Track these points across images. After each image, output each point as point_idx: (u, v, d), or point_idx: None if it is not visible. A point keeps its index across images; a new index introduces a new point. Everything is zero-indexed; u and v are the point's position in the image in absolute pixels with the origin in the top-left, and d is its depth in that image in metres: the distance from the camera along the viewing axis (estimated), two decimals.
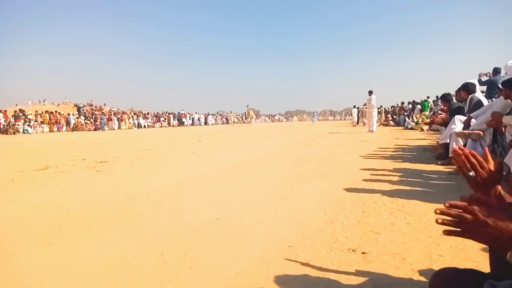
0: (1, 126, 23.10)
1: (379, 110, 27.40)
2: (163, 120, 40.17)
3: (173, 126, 39.04)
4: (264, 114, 67.64)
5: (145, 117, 38.91)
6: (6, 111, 26.27)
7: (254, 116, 40.65)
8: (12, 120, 24.64)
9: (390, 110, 29.11)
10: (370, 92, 15.39)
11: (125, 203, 3.38)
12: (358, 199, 3.25)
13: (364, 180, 4.16)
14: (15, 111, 26.53)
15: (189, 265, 1.92)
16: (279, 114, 75.57)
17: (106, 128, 30.45)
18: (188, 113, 43.60)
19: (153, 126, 37.50)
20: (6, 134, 22.56)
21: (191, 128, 32.83)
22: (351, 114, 30.09)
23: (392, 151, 7.21)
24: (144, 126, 35.92)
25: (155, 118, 40.40)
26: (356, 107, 28.96)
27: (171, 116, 41.20)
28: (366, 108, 17.98)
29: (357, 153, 7.00)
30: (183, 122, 41.04)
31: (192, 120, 42.42)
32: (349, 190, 3.67)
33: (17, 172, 5.59)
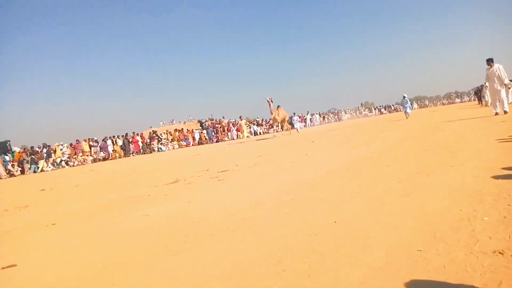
0: (140, 148, 26.53)
1: None
2: (276, 126, 41.21)
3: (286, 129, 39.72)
4: (379, 106, 63.86)
5: (259, 125, 40.45)
6: (142, 133, 30.17)
7: (286, 117, 23.58)
8: (148, 141, 28.14)
9: None
10: (490, 61, 11.52)
11: (243, 210, 3.48)
12: (500, 191, 2.76)
13: (505, 167, 3.53)
14: (149, 133, 30.32)
15: (308, 273, 1.84)
16: (396, 104, 70.58)
17: (227, 139, 32.56)
18: (299, 115, 43.81)
19: (267, 132, 38.74)
20: (144, 153, 25.85)
21: (303, 130, 32.95)
22: (476, 94, 26.10)
23: None
24: (260, 133, 37.34)
25: (268, 124, 41.68)
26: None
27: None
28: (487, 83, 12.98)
29: (493, 136, 6.05)
30: (294, 125, 41.40)
31: (305, 122, 42.49)
32: (487, 180, 3.15)
33: (152, 187, 6.27)
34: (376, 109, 60.90)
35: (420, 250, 1.92)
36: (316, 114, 45.65)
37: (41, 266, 2.67)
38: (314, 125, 42.29)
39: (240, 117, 26.84)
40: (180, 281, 2.01)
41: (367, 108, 61.20)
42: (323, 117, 46.68)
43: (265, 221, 2.97)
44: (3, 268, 2.72)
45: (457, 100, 73.39)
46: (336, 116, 49.16)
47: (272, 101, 21.06)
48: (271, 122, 28.77)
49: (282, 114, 21.82)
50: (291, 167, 6.29)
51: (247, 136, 24.31)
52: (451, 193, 2.95)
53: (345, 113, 51.43)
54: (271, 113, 21.30)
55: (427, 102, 71.63)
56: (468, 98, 67.87)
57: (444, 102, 75.70)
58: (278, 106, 21.68)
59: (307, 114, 43.37)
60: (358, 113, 54.03)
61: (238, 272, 1.99)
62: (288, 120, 24.54)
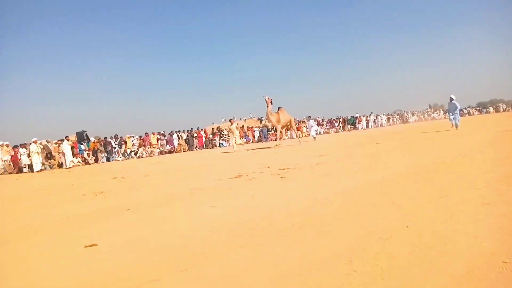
0: (204, 142, 27.58)
1: None
2: (337, 126, 40.41)
3: (348, 130, 38.83)
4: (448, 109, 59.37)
5: (319, 124, 39.91)
6: (205, 129, 31.34)
7: (290, 122, 18.42)
8: (210, 136, 29.15)
9: None
10: None
11: (308, 208, 3.47)
12: None
13: None
14: (212, 129, 31.42)
15: (380, 276, 1.80)
16: (469, 107, 65.42)
17: (286, 137, 32.60)
18: (363, 115, 42.48)
19: (328, 132, 38.12)
20: (207, 148, 26.78)
21: (366, 131, 31.98)
22: None
23: None
24: (320, 133, 36.88)
25: (329, 124, 40.97)
26: None
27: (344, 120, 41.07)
28: None
29: None
30: (357, 126, 40.31)
31: (367, 123, 41.16)
32: None
33: (217, 180, 6.46)
34: (446, 112, 56.94)
35: (505, 262, 1.79)
36: (383, 115, 43.91)
37: (119, 247, 2.88)
38: (378, 126, 40.83)
39: (230, 120, 22.45)
40: (250, 272, 2.07)
41: (436, 110, 57.60)
42: (388, 119, 44.77)
43: (332, 221, 2.94)
44: (86, 246, 2.98)
45: None
46: (402, 118, 46.89)
47: (271, 102, 17.20)
48: (268, 125, 25.53)
49: (284, 118, 17.70)
50: (356, 168, 6.15)
51: (239, 144, 19.86)
52: None
53: (412, 115, 48.87)
54: (268, 116, 17.69)
55: (504, 106, 65.56)
56: None
57: (508, 108, 68.42)
58: (279, 108, 17.82)
59: (370, 115, 41.99)
60: (426, 115, 51.09)
61: (308, 269, 2.00)
62: (293, 125, 19.72)
